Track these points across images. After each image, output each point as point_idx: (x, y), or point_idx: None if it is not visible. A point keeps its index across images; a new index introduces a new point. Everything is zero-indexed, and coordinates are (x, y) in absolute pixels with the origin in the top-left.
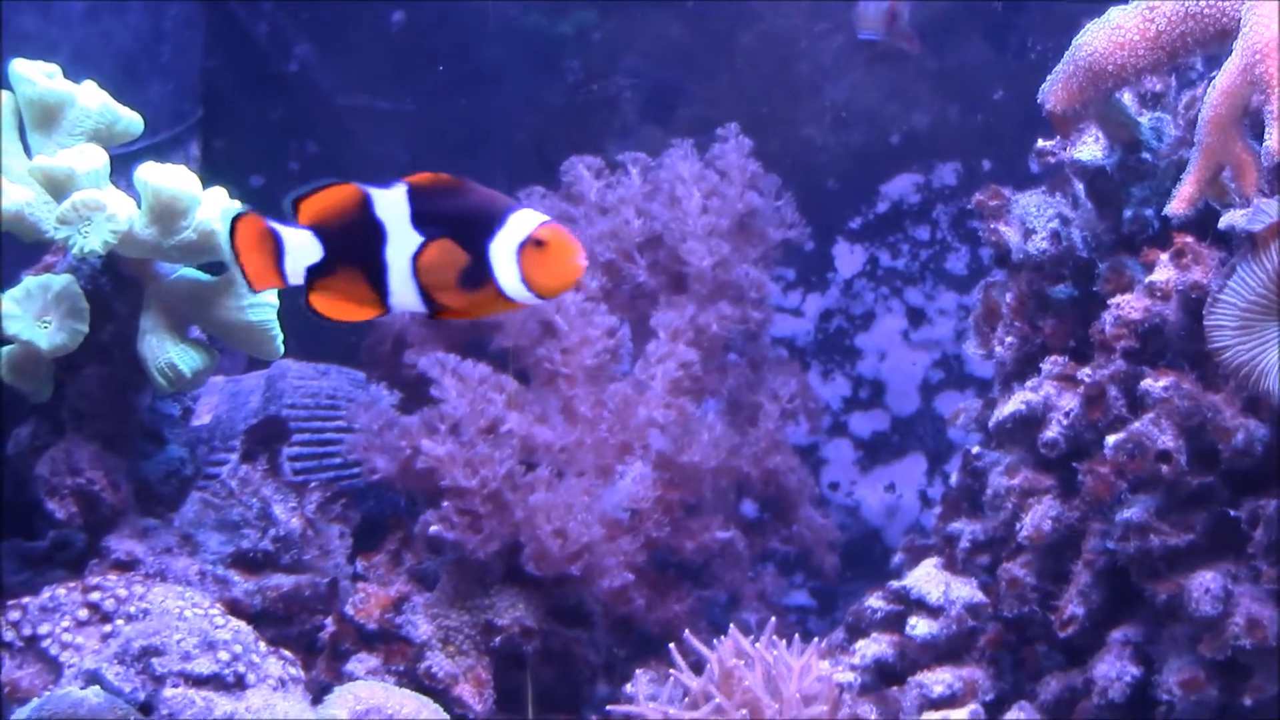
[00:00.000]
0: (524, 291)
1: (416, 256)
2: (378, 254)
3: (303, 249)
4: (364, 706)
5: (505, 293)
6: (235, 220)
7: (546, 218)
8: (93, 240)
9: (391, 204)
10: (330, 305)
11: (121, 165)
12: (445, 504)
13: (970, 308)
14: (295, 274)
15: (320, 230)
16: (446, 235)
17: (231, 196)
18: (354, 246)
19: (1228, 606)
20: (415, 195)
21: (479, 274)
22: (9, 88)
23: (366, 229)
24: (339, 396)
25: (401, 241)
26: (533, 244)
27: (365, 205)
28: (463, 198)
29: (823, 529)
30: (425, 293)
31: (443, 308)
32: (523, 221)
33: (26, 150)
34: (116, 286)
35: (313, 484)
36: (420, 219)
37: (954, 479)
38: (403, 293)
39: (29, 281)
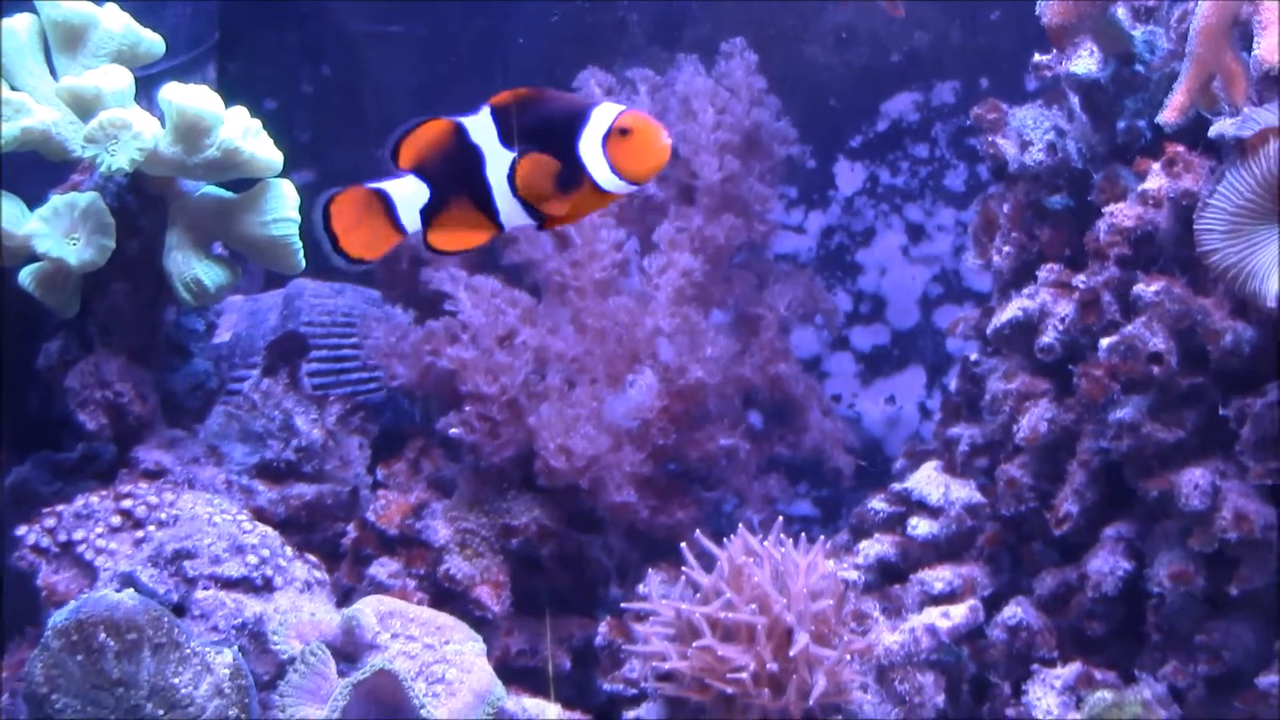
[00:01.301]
0: (617, 181)
1: (512, 173)
2: (481, 178)
3: (412, 195)
4: (386, 609)
5: (600, 185)
6: (329, 201)
7: (624, 107)
8: (120, 158)
9: (481, 127)
10: (447, 239)
11: (141, 88)
12: (467, 408)
13: (968, 223)
14: (412, 221)
15: (422, 170)
16: (535, 146)
17: None
18: (458, 177)
19: (1216, 501)
20: (499, 114)
21: (573, 175)
22: (34, 10)
23: (466, 157)
24: (354, 314)
25: (497, 161)
26: (617, 133)
27: (460, 134)
28: (543, 106)
29: (834, 430)
30: (528, 206)
31: (548, 217)
32: (604, 114)
33: (52, 72)
34: (142, 204)
35: (332, 397)
36: (508, 135)
37: (953, 385)
38: (509, 210)
39: (56, 200)
